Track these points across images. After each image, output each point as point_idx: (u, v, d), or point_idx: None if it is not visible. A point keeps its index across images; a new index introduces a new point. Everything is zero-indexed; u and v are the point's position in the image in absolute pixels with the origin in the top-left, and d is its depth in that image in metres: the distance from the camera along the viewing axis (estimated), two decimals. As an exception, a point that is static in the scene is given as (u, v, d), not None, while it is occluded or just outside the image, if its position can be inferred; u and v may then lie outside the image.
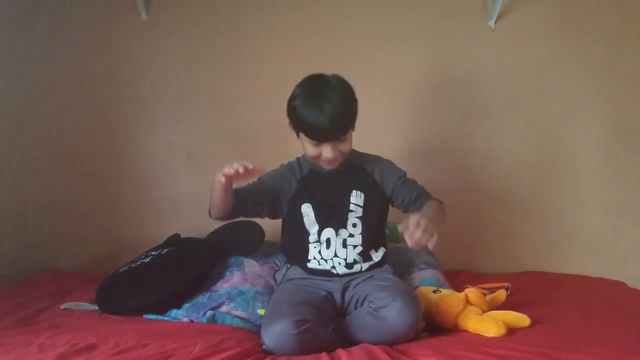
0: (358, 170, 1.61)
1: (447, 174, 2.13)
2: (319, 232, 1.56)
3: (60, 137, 2.19)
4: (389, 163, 1.64)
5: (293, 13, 2.14)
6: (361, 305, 1.42)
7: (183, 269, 1.65)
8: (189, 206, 2.16)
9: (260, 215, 1.60)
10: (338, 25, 2.13)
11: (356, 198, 1.57)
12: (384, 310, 1.31)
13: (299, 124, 1.48)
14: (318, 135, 1.46)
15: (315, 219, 1.56)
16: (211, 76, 2.16)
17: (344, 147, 1.50)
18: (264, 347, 1.31)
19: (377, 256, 1.59)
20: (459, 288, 1.60)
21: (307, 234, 1.58)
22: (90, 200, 2.20)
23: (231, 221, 1.85)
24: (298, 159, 1.65)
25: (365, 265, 1.57)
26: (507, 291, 1.56)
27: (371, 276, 1.52)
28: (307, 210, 1.57)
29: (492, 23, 2.10)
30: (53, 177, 2.19)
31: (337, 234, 1.56)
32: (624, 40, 2.09)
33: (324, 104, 1.42)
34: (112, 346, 1.28)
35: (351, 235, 1.56)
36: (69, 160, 2.19)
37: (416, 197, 1.57)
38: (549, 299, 1.68)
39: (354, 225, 1.56)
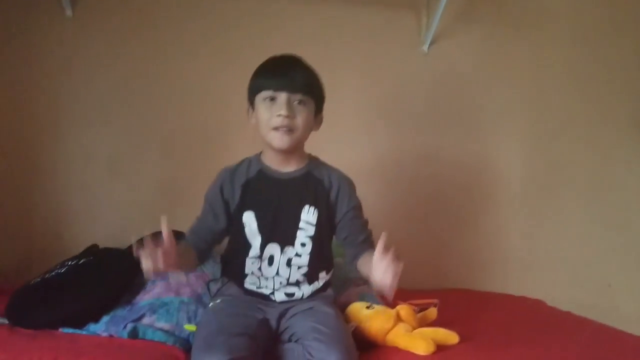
0: (314, 182, 1.45)
1: (380, 191, 2.15)
2: (262, 247, 1.42)
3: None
4: (349, 184, 1.48)
5: (228, 13, 2.09)
6: (296, 341, 1.33)
7: (101, 280, 1.56)
8: (109, 215, 2.07)
9: (222, 238, 1.48)
10: (269, 42, 2.05)
11: (308, 215, 1.43)
12: None
13: (255, 82, 1.37)
14: (275, 81, 1.33)
15: (258, 230, 1.41)
16: (135, 81, 2.07)
17: (300, 114, 1.35)
18: None
19: (322, 279, 1.48)
20: (389, 304, 1.59)
21: (248, 246, 1.42)
22: (1, 207, 2.04)
23: (154, 231, 1.79)
24: (250, 158, 1.48)
25: (308, 291, 1.45)
26: (435, 307, 1.58)
27: (310, 308, 1.40)
28: (248, 219, 1.42)
29: (425, 47, 2.17)
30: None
31: (282, 252, 1.42)
32: (549, 66, 2.24)
33: (287, 61, 1.37)
34: (25, 363, 1.18)
35: (298, 255, 1.43)
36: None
37: (362, 241, 1.45)
38: (474, 317, 1.72)
39: (303, 244, 1.42)
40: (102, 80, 2.06)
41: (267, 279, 1.44)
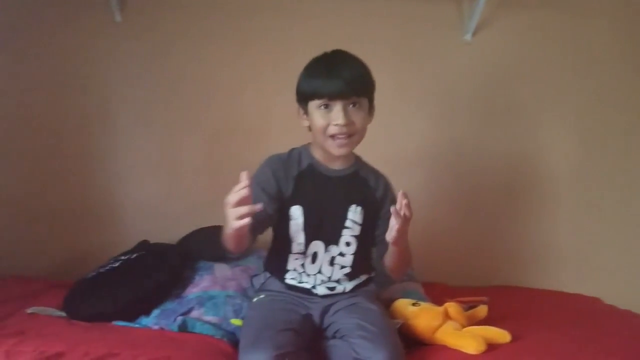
0: (361, 181, 1.44)
1: (423, 186, 2.11)
2: (306, 244, 1.40)
3: (27, 139, 2.09)
4: (390, 185, 1.48)
5: (269, 17, 2.08)
6: (341, 337, 1.33)
7: (152, 274, 1.59)
8: (158, 211, 2.10)
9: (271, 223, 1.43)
10: (306, 33, 2.07)
11: (354, 214, 1.41)
12: None
13: (307, 87, 1.34)
14: (328, 88, 1.29)
15: (304, 227, 1.39)
16: (179, 79, 2.10)
17: (357, 118, 1.32)
18: None
19: (364, 276, 1.48)
20: (435, 301, 1.59)
21: (292, 242, 1.41)
22: (56, 204, 2.11)
23: (201, 227, 1.85)
24: (299, 149, 1.45)
25: (350, 286, 1.45)
26: (485, 305, 1.55)
27: (354, 304, 1.40)
28: (296, 213, 1.39)
29: (468, 37, 2.11)
30: (17, 181, 2.10)
31: (326, 250, 1.41)
32: (596, 58, 2.13)
33: (337, 61, 1.33)
34: (82, 354, 1.23)
35: (341, 254, 1.42)
36: (34, 163, 2.10)
37: None
38: (526, 315, 1.67)
39: (348, 244, 1.41)
40: (149, 80, 2.10)
41: (308, 275, 1.44)
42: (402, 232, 1.26)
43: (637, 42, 2.15)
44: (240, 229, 1.14)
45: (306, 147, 1.46)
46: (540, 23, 2.13)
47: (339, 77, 1.30)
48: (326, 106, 1.33)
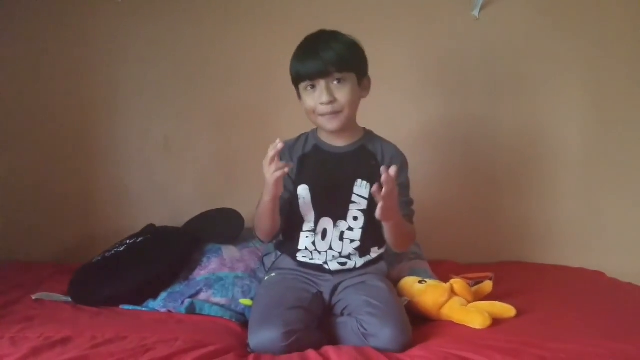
0: (367, 155, 1.46)
1: (428, 162, 2.10)
2: (316, 221, 1.43)
3: (31, 123, 2.09)
4: (402, 161, 1.47)
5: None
6: (349, 314, 1.35)
7: (158, 257, 1.60)
8: (166, 196, 2.11)
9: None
10: (320, 11, 2.06)
11: (360, 188, 1.43)
12: (372, 339, 1.24)
13: (293, 71, 1.39)
14: (308, 68, 1.35)
15: (312, 204, 1.42)
16: (189, 61, 2.08)
17: (341, 94, 1.35)
18: (248, 348, 1.26)
19: (375, 252, 1.49)
20: (443, 277, 1.60)
21: (301, 221, 1.45)
22: (63, 188, 2.11)
23: (208, 210, 1.84)
24: (307, 133, 1.51)
25: (360, 262, 1.46)
26: (490, 281, 1.56)
27: (363, 282, 1.42)
28: (303, 192, 1.43)
29: (476, 13, 2.08)
30: (23, 166, 2.10)
31: (335, 226, 1.44)
32: (608, 30, 2.09)
33: (317, 41, 1.37)
34: (89, 339, 1.22)
35: (350, 229, 1.44)
36: (40, 147, 2.10)
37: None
38: (531, 290, 1.67)
39: (355, 218, 1.43)
40: (156, 61, 2.08)
41: (320, 252, 1.46)
42: (386, 208, 1.26)
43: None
44: (276, 194, 1.29)
45: (314, 131, 1.50)
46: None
47: (317, 56, 1.34)
48: (312, 87, 1.37)
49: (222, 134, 2.11)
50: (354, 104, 1.39)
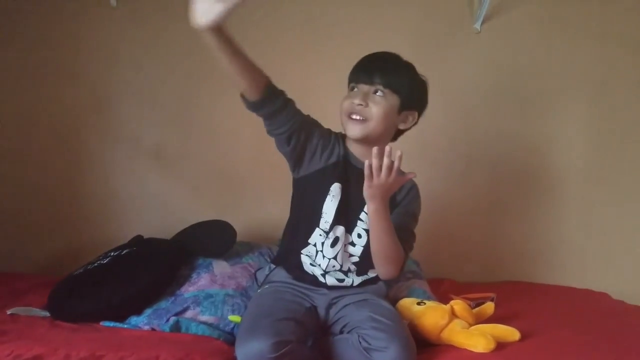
0: None
1: (427, 178, 2.02)
2: (332, 226, 1.40)
3: (18, 129, 2.04)
4: (417, 193, 1.48)
5: (274, 6, 2.01)
6: (348, 332, 1.31)
7: (144, 271, 1.52)
8: (156, 206, 2.05)
9: (279, 128, 1.34)
10: (320, 21, 2.02)
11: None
12: (377, 355, 1.20)
13: (351, 71, 1.43)
14: (357, 72, 1.40)
15: (337, 206, 1.39)
16: (184, 69, 2.04)
17: (375, 104, 1.35)
18: None
19: (372, 273, 1.45)
20: (442, 297, 1.55)
21: (320, 216, 1.40)
22: (49, 197, 2.05)
23: (199, 222, 1.76)
24: (337, 136, 1.45)
25: (358, 280, 1.44)
26: (492, 301, 1.49)
27: (364, 300, 1.39)
28: (336, 190, 1.40)
29: (477, 25, 2.04)
30: (9, 172, 2.05)
31: (345, 237, 1.42)
32: (609, 45, 2.04)
33: (378, 55, 1.42)
34: (62, 357, 1.17)
35: (352, 244, 1.43)
36: (27, 153, 2.05)
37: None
38: (535, 311, 1.60)
39: (359, 235, 1.42)
40: (148, 67, 2.04)
41: (324, 257, 1.42)
42: (372, 186, 1.24)
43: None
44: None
45: (343, 136, 1.46)
46: (550, 11, 2.05)
47: (371, 67, 1.39)
48: (354, 89, 1.41)
49: (217, 143, 2.06)
50: (383, 121, 1.37)
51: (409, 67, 1.43)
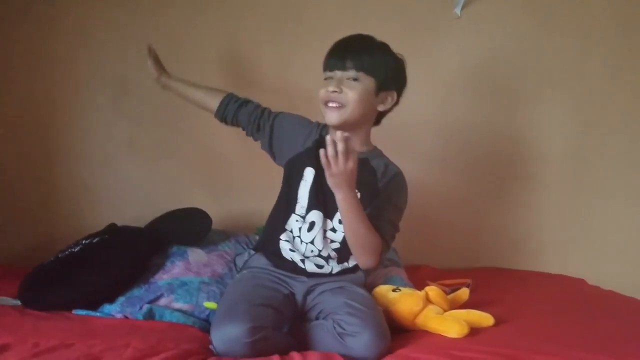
0: (368, 169, 1.43)
1: (407, 167, 2.02)
2: (308, 209, 1.41)
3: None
4: (401, 185, 1.45)
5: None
6: (324, 318, 1.31)
7: (116, 258, 1.49)
8: (129, 195, 2.02)
9: (249, 134, 1.52)
10: (305, 11, 2.00)
11: None
12: (350, 340, 1.20)
13: (324, 60, 1.41)
14: (330, 60, 1.38)
15: (310, 190, 1.40)
16: (160, 47, 1.98)
17: (351, 90, 1.34)
18: (211, 346, 1.21)
19: (353, 261, 1.44)
20: (419, 284, 1.55)
21: (295, 201, 1.42)
22: (20, 185, 2.01)
23: (173, 210, 1.74)
24: (322, 123, 1.48)
25: (337, 268, 1.43)
26: (468, 288, 1.49)
27: (341, 287, 1.39)
28: (308, 175, 1.42)
29: (458, 10, 2.01)
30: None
31: (323, 222, 1.41)
32: (593, 32, 2.04)
33: (348, 40, 1.40)
34: (30, 347, 1.12)
35: (333, 230, 1.42)
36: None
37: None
38: (511, 297, 1.61)
39: (340, 221, 1.38)
40: (121, 50, 1.99)
41: (302, 242, 1.42)
42: (330, 177, 1.25)
43: (638, 20, 2.06)
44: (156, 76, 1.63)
45: (326, 125, 1.47)
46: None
47: (342, 52, 1.38)
48: (330, 78, 1.38)
49: (192, 131, 2.02)
50: (360, 105, 1.36)
51: (382, 47, 1.41)
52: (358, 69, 1.35)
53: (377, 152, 1.48)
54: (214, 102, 1.54)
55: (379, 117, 1.46)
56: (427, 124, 2.06)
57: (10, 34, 1.96)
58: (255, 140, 1.52)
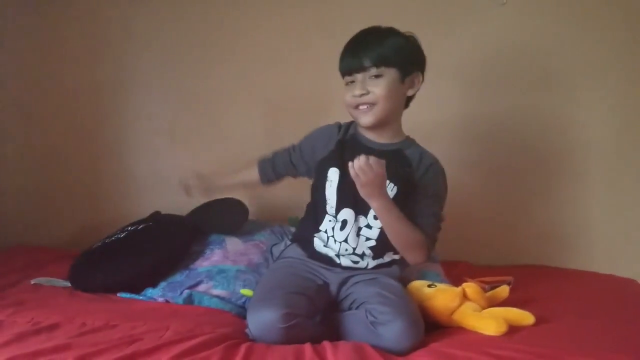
0: (402, 159, 1.41)
1: (445, 158, 1.98)
2: (338, 209, 1.40)
3: (36, 110, 2.09)
4: (440, 173, 1.44)
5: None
6: (356, 308, 1.31)
7: (158, 245, 1.55)
8: (172, 183, 2.04)
9: (295, 175, 1.53)
10: (335, 4, 1.98)
11: (387, 190, 1.35)
12: (382, 328, 1.19)
13: (340, 67, 1.40)
14: (347, 64, 1.37)
15: (337, 190, 1.40)
16: (199, 45, 2.03)
17: (376, 87, 1.34)
18: (246, 330, 1.24)
19: (389, 257, 1.44)
20: (456, 280, 1.51)
21: (325, 202, 1.42)
22: (69, 175, 2.10)
23: (213, 199, 1.76)
24: (348, 123, 1.50)
25: (373, 264, 1.42)
26: (509, 285, 1.45)
27: (374, 278, 1.39)
28: (333, 175, 1.41)
29: (504, -4, 1.95)
30: (32, 153, 2.10)
31: (355, 219, 1.40)
32: (638, 24, 1.93)
33: (358, 39, 1.38)
34: (77, 326, 1.19)
35: (368, 227, 1.40)
36: (46, 135, 2.09)
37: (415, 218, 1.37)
38: (554, 296, 1.56)
39: (376, 217, 1.37)
40: (163, 44, 2.04)
41: (335, 241, 1.42)
42: (361, 188, 1.26)
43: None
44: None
45: (355, 123, 1.48)
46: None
47: (356, 52, 1.36)
48: (352, 82, 1.38)
49: (230, 122, 2.06)
50: (390, 99, 1.36)
51: (391, 34, 1.38)
52: (377, 64, 1.34)
53: (410, 142, 1.46)
54: (255, 176, 1.54)
55: (407, 102, 1.44)
56: (465, 116, 2.00)
57: (60, 30, 2.04)
58: (304, 176, 1.53)
